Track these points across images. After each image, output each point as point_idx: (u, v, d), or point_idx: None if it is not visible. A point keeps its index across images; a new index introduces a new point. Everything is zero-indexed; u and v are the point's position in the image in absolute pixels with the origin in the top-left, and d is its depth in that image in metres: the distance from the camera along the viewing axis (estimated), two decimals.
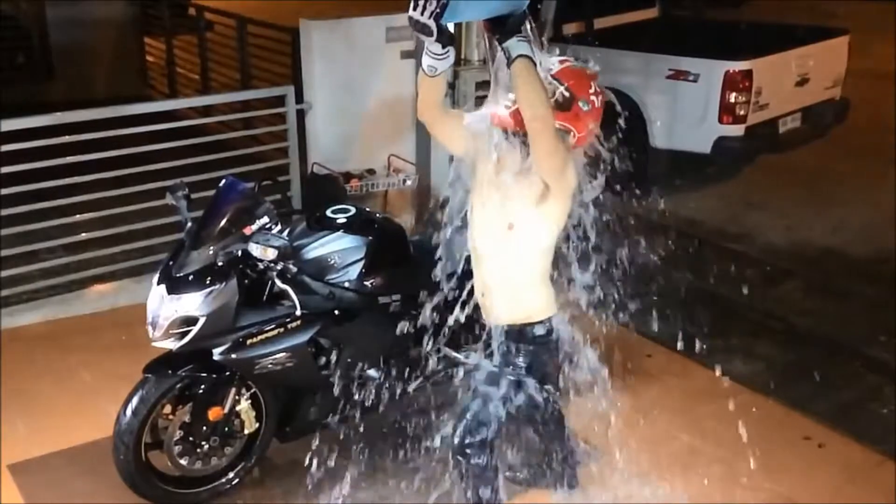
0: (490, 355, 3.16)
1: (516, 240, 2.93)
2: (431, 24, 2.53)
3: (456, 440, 3.08)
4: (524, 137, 2.82)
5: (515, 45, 2.61)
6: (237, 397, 3.50)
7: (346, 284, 3.59)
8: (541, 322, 3.06)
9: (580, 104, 2.84)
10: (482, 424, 3.05)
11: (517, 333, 3.07)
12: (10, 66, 9.77)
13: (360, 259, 3.61)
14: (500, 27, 2.62)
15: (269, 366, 3.38)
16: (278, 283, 3.38)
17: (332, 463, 3.75)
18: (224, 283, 3.31)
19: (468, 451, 3.06)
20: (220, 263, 3.34)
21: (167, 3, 9.98)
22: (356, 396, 3.73)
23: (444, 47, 2.71)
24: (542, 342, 3.07)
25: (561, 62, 2.88)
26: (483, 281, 3.10)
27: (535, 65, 2.64)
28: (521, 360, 3.07)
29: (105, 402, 3.64)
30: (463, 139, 3.01)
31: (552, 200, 2.85)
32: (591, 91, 2.87)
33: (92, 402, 4.18)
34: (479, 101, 3.10)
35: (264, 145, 6.37)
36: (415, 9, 2.52)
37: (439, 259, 3.64)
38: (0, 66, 9.50)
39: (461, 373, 3.92)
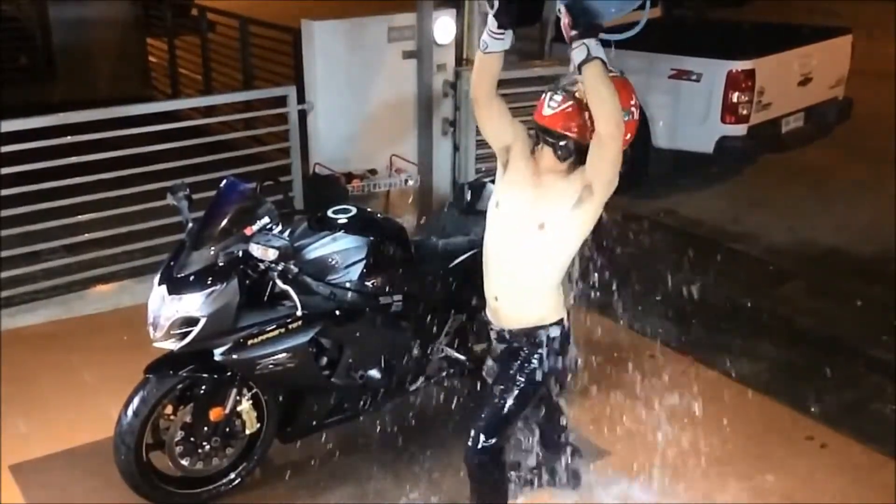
0: (499, 359, 3.16)
1: (545, 241, 2.92)
2: None
3: (469, 444, 3.05)
4: (563, 140, 2.85)
5: (595, 47, 2.66)
6: (238, 398, 3.49)
7: (348, 285, 3.58)
8: (551, 325, 3.06)
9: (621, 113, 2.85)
10: (495, 429, 3.04)
11: (527, 337, 3.07)
12: (13, 67, 9.77)
13: (362, 259, 3.60)
14: (584, 25, 2.68)
15: (271, 366, 3.38)
16: (279, 283, 3.36)
17: (333, 463, 3.75)
18: (225, 284, 3.30)
19: (483, 455, 3.03)
20: (220, 264, 3.33)
21: (169, 3, 9.98)
22: (357, 397, 3.72)
23: (499, 27, 2.75)
24: (550, 345, 3.07)
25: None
26: (497, 283, 3.08)
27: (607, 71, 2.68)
28: (529, 364, 3.05)
29: (106, 402, 3.64)
30: (503, 132, 2.99)
31: (588, 203, 2.85)
32: (633, 103, 2.89)
33: (93, 402, 4.18)
34: None
35: (266, 146, 6.37)
36: None
37: (442, 259, 3.63)
38: (2, 66, 9.49)
39: (463, 373, 3.93)
